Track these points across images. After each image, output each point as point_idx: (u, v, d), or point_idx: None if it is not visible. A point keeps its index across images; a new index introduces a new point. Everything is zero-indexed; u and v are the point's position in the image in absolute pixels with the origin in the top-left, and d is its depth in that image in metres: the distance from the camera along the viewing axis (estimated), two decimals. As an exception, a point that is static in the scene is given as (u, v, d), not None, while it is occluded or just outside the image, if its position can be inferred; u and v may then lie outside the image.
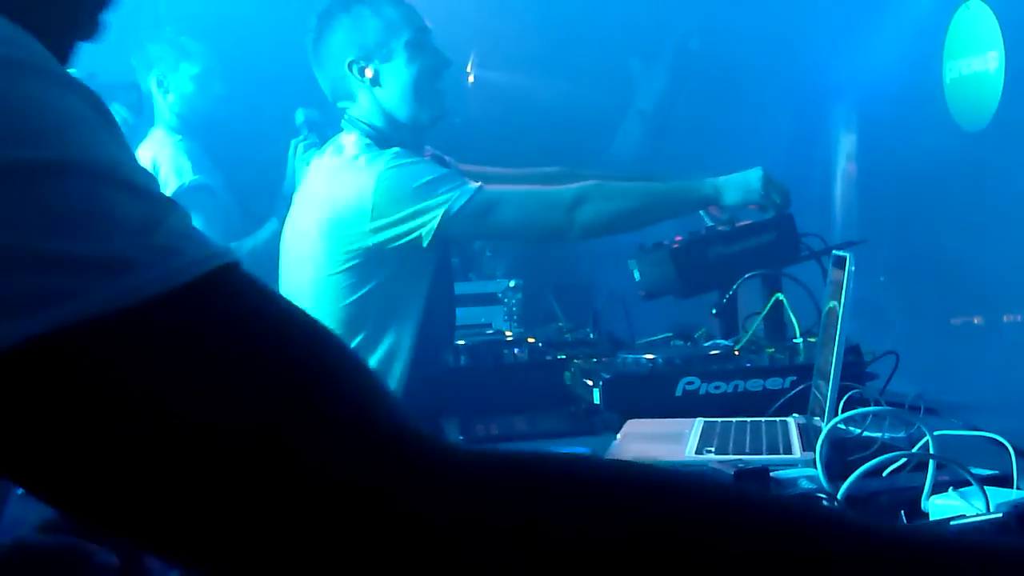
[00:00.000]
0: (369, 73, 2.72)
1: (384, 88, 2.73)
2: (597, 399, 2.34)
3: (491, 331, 3.52)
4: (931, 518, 1.42)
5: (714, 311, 2.72)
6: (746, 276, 2.65)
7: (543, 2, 4.80)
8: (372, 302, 2.68)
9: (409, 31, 2.74)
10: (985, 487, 1.40)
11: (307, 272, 2.70)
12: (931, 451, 1.58)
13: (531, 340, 3.01)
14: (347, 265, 2.65)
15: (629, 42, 4.86)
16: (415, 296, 2.72)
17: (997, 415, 2.11)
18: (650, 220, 2.79)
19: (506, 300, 3.62)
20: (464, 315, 3.68)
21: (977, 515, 1.31)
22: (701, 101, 4.53)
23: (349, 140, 2.73)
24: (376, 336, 2.69)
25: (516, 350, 2.94)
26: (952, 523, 1.21)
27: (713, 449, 1.84)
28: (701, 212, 2.86)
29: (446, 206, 2.60)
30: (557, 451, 2.15)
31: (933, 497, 1.47)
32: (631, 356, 2.46)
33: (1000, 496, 1.42)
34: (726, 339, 2.64)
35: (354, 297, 2.67)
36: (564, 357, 2.82)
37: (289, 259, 2.81)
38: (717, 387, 2.32)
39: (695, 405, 2.26)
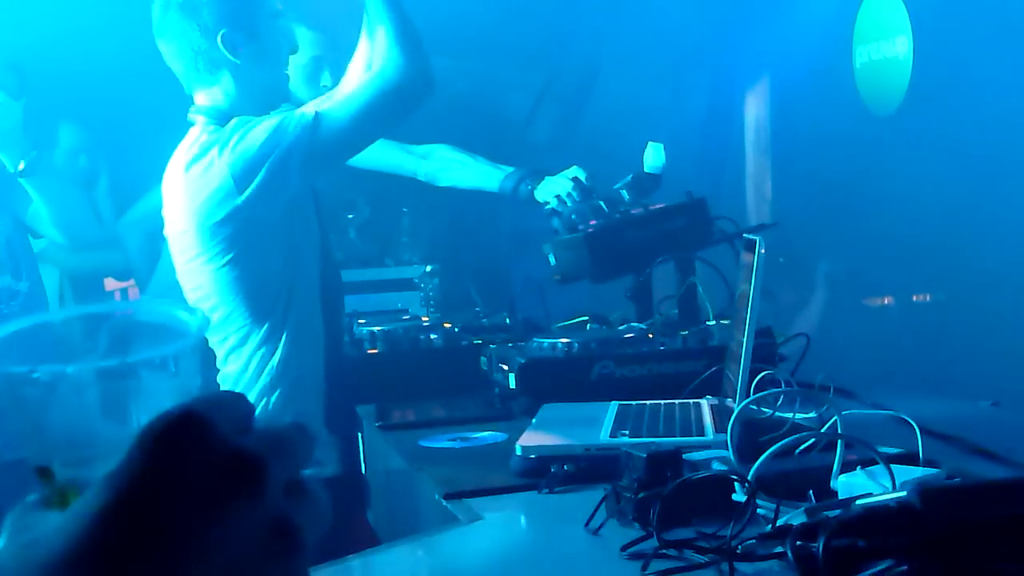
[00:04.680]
0: (236, 47, 2.63)
1: (249, 62, 2.66)
2: (513, 383, 2.34)
3: (408, 317, 3.50)
4: (840, 496, 1.44)
5: (628, 295, 2.74)
6: (660, 260, 2.67)
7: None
8: (272, 282, 2.62)
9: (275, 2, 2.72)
10: (892, 465, 1.42)
11: (204, 271, 2.62)
12: (839, 431, 1.60)
13: (447, 325, 3.00)
14: (234, 251, 2.58)
15: (546, 25, 4.85)
16: (310, 270, 2.67)
17: (905, 395, 2.15)
18: None
19: (423, 285, 3.61)
20: (381, 301, 3.67)
21: (883, 493, 1.33)
22: (617, 86, 4.55)
23: (192, 135, 2.66)
24: (283, 319, 2.63)
25: (432, 335, 2.93)
26: (858, 501, 1.23)
27: (627, 432, 1.86)
28: (623, 192, 2.90)
29: (296, 145, 2.55)
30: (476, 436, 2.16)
31: (842, 476, 1.49)
32: (546, 340, 2.46)
33: (906, 474, 1.44)
34: (641, 322, 2.65)
35: (254, 282, 2.61)
36: (480, 342, 2.82)
37: (181, 265, 2.70)
38: (632, 370, 2.33)
39: (610, 388, 2.27)
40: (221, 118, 2.62)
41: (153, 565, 0.48)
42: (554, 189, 3.00)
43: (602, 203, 2.93)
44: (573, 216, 2.93)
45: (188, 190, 2.60)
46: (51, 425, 0.57)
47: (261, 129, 2.57)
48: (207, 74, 2.66)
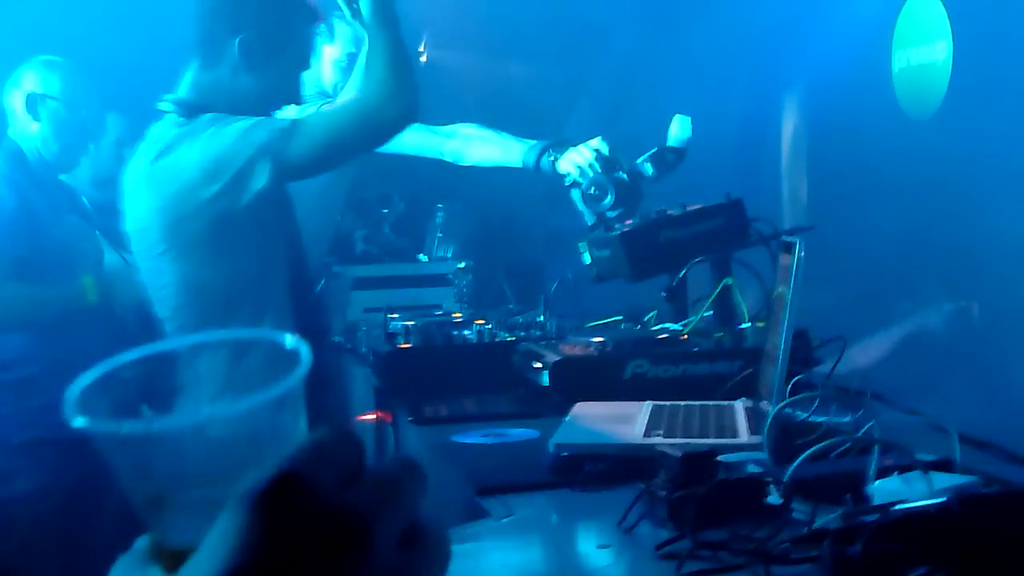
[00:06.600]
0: (249, 56, 2.60)
1: (256, 71, 2.62)
2: (546, 381, 2.34)
3: (440, 312, 3.51)
4: (875, 502, 1.43)
5: (664, 294, 2.73)
6: (695, 260, 2.66)
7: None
8: (239, 281, 2.58)
9: (312, 26, 2.70)
10: (928, 472, 1.41)
11: (169, 269, 2.58)
12: (876, 436, 1.59)
13: (481, 322, 3.01)
14: (201, 248, 2.54)
15: (582, 24, 4.85)
16: (279, 268, 2.62)
17: (941, 401, 2.14)
18: None
19: (456, 281, 3.62)
20: (414, 296, 3.68)
21: (920, 499, 1.32)
22: (653, 87, 4.54)
23: (159, 128, 2.61)
24: (255, 320, 2.58)
25: (466, 331, 2.93)
26: (895, 507, 1.23)
27: (662, 432, 1.85)
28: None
29: (269, 149, 2.51)
30: (507, 433, 2.16)
31: (878, 481, 1.48)
32: (580, 338, 2.46)
33: (942, 481, 1.43)
34: (675, 323, 2.64)
35: (220, 281, 2.56)
36: (513, 339, 2.83)
37: (146, 262, 2.63)
38: (666, 370, 2.32)
39: (643, 388, 2.27)
40: (190, 112, 2.58)
41: None
42: (575, 160, 2.99)
43: (624, 175, 2.93)
44: (592, 190, 2.92)
45: (153, 183, 2.55)
46: (157, 464, 0.52)
47: (235, 128, 2.52)
48: (207, 61, 2.62)
